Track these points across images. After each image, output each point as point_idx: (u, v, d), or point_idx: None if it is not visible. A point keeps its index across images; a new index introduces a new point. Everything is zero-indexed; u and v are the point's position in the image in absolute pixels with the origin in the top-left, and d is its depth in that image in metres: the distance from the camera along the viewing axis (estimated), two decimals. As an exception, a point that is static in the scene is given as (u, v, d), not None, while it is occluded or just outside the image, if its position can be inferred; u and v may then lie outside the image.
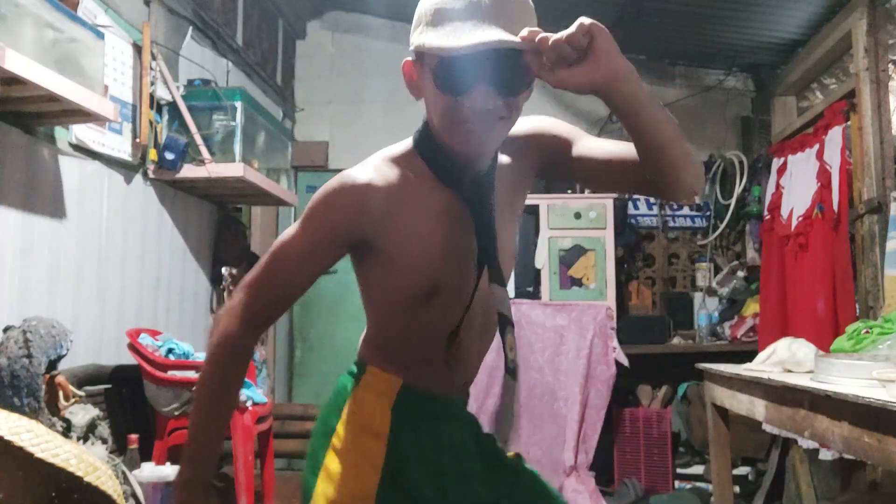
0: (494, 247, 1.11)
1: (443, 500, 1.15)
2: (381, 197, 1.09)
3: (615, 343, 3.99)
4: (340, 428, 1.15)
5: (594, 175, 1.22)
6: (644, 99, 1.05)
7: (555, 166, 1.22)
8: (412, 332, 1.17)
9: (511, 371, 1.14)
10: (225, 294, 3.65)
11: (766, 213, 4.15)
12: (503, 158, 1.18)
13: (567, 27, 1.05)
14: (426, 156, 1.13)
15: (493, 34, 0.99)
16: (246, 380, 2.66)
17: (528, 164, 1.21)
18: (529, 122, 1.21)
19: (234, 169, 3.01)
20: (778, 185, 4.02)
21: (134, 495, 1.88)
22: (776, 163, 4.09)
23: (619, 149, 1.17)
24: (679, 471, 4.09)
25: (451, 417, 1.23)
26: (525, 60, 1.02)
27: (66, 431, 1.99)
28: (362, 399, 1.17)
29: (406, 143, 1.17)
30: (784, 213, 3.88)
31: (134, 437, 2.21)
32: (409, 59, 1.10)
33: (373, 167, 1.14)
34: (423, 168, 1.13)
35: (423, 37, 1.04)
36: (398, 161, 1.15)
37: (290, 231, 1.13)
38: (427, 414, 1.18)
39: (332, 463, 1.13)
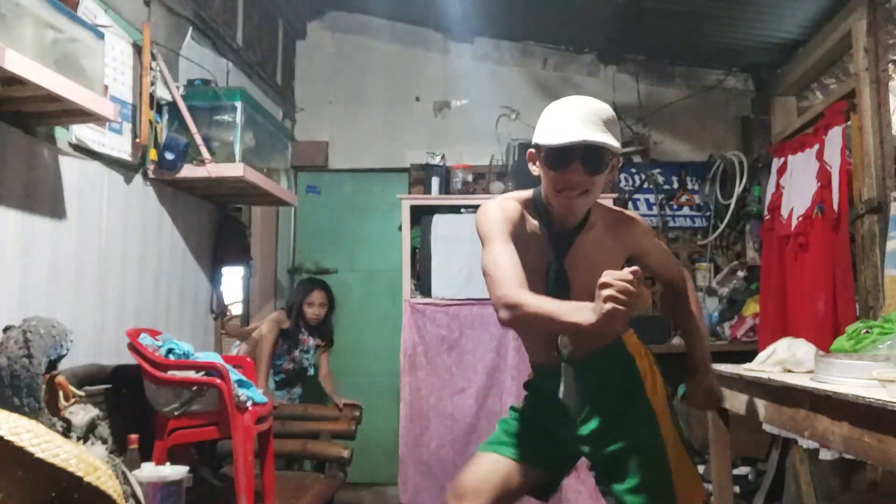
0: (559, 270, 1.78)
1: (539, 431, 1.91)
2: (508, 211, 1.77)
3: (615, 343, 3.98)
4: None
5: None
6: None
7: (633, 258, 1.90)
8: None
9: (563, 359, 1.81)
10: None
11: (766, 213, 4.16)
12: (599, 228, 1.83)
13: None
14: (536, 206, 1.81)
15: (580, 135, 1.61)
16: (246, 380, 2.67)
17: (620, 242, 1.87)
18: (637, 222, 1.92)
19: (234, 169, 3.01)
20: (778, 185, 4.02)
21: (134, 495, 1.88)
22: (776, 163, 4.09)
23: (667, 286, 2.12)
24: (679, 471, 4.08)
25: (551, 377, 1.85)
26: (602, 153, 1.67)
27: (66, 431, 1.99)
28: None
29: (528, 192, 1.85)
30: (784, 213, 3.88)
31: (134, 437, 2.21)
32: (531, 149, 1.75)
33: (509, 197, 1.85)
34: (531, 209, 1.81)
35: (538, 134, 1.70)
36: (521, 200, 1.83)
37: None
38: (537, 375, 1.99)
39: None
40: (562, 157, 1.65)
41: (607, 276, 1.39)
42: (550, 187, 1.71)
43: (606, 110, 1.68)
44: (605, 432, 1.85)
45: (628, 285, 1.38)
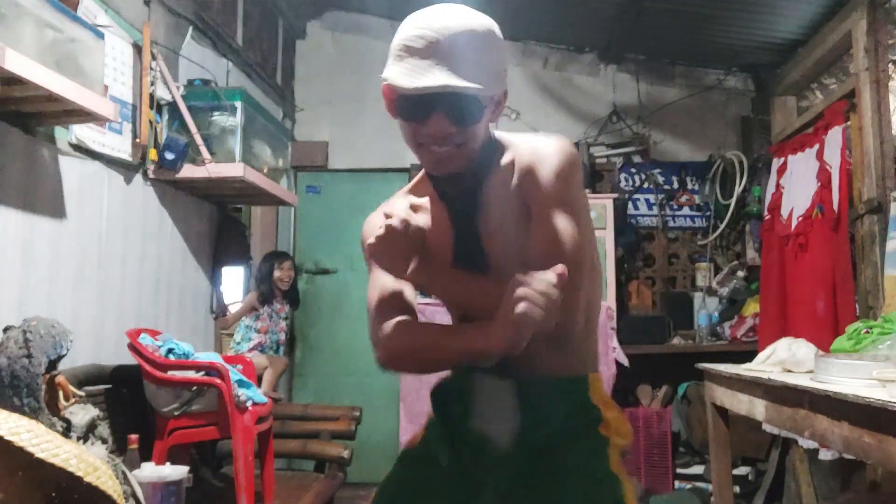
0: (473, 245, 1.27)
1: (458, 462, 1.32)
2: (379, 223, 1.25)
3: (615, 343, 3.99)
4: None
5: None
6: None
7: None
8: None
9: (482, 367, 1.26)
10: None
11: (766, 213, 4.16)
12: (507, 175, 1.26)
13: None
14: (430, 175, 1.32)
15: (441, 78, 1.12)
16: (246, 379, 2.67)
17: (518, 191, 1.25)
18: (535, 150, 1.24)
19: (234, 169, 3.01)
20: (778, 185, 4.02)
21: (134, 495, 1.88)
22: (776, 163, 4.09)
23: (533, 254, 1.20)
24: (679, 471, 4.09)
25: (475, 393, 1.33)
26: (475, 98, 1.16)
27: (66, 431, 1.99)
28: None
29: (421, 172, 1.37)
30: (784, 213, 3.88)
31: (134, 437, 2.21)
32: (385, 83, 1.22)
33: (394, 197, 1.39)
34: (429, 186, 1.34)
35: (389, 69, 1.20)
36: (412, 188, 1.39)
37: None
38: (453, 391, 1.38)
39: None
40: (417, 106, 1.17)
41: (520, 278, 1.06)
42: (411, 140, 1.23)
43: (476, 27, 1.17)
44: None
45: (550, 287, 1.04)
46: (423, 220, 1.29)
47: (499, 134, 1.31)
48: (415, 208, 1.32)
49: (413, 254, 1.22)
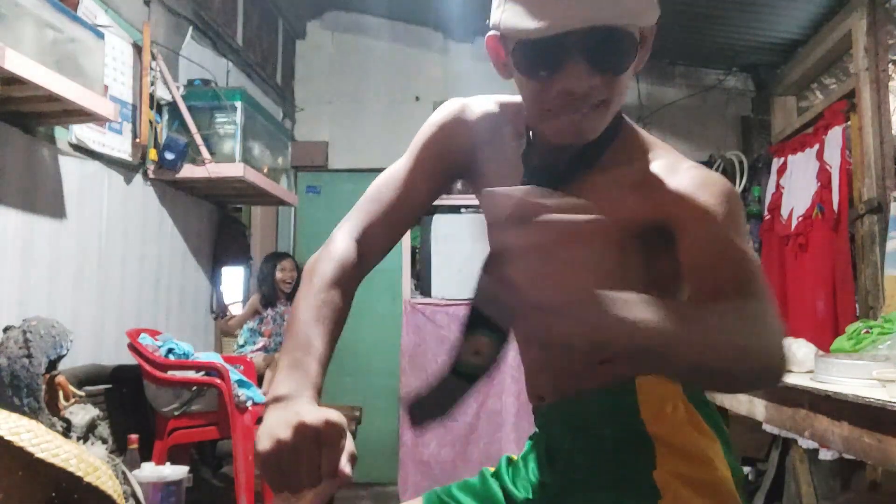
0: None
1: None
2: (471, 123, 1.03)
3: (615, 343, 3.98)
4: None
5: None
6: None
7: (657, 229, 0.89)
8: None
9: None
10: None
11: (766, 213, 4.16)
12: (619, 173, 0.93)
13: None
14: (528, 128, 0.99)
15: (582, 9, 0.80)
16: (246, 380, 2.67)
17: (640, 198, 0.90)
18: (684, 172, 0.91)
19: (234, 169, 3.01)
20: (778, 185, 4.02)
21: (134, 495, 1.88)
22: (776, 163, 4.09)
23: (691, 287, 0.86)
24: (679, 471, 4.08)
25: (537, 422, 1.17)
26: (627, 31, 0.85)
27: (66, 431, 1.99)
28: None
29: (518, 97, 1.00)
30: (784, 213, 3.88)
31: (134, 437, 2.21)
32: (494, 33, 0.90)
33: (481, 99, 1.06)
34: (515, 122, 1.02)
35: (500, 11, 0.86)
36: (508, 106, 1.04)
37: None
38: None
39: None
40: (546, 54, 0.84)
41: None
42: (534, 104, 0.90)
43: None
44: None
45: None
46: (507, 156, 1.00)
47: (626, 118, 0.99)
48: (501, 139, 1.01)
49: None
